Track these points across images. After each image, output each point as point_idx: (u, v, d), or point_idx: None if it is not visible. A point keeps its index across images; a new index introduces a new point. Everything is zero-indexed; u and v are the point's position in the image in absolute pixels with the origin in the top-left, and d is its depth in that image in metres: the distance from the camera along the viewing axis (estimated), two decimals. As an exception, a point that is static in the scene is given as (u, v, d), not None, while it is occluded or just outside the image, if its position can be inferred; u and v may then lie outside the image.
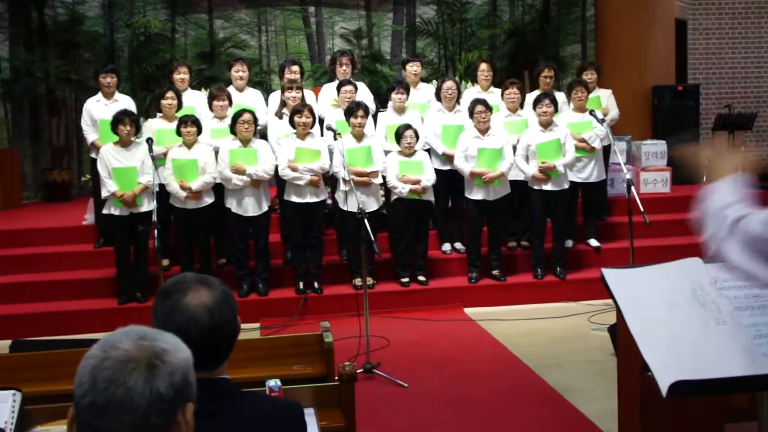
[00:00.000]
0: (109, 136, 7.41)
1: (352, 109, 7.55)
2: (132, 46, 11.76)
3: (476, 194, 7.76)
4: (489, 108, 7.75)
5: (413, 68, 8.57)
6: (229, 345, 2.04)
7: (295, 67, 8.29)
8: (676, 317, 2.83)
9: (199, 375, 1.84)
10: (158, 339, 1.44)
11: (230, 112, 7.73)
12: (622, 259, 7.44)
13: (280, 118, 7.91)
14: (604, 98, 8.71)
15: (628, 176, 6.77)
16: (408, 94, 8.12)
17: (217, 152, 7.51)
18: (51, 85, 11.37)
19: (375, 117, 8.25)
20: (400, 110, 8.10)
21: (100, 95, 8.10)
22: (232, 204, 7.45)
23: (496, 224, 7.96)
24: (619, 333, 3.91)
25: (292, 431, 2.11)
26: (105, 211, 7.41)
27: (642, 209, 6.51)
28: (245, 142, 7.39)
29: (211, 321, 1.97)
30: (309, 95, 8.28)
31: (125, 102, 8.06)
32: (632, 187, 6.68)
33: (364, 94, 8.37)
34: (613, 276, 3.35)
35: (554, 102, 7.86)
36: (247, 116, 7.35)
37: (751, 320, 2.63)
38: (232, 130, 7.41)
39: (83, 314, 7.30)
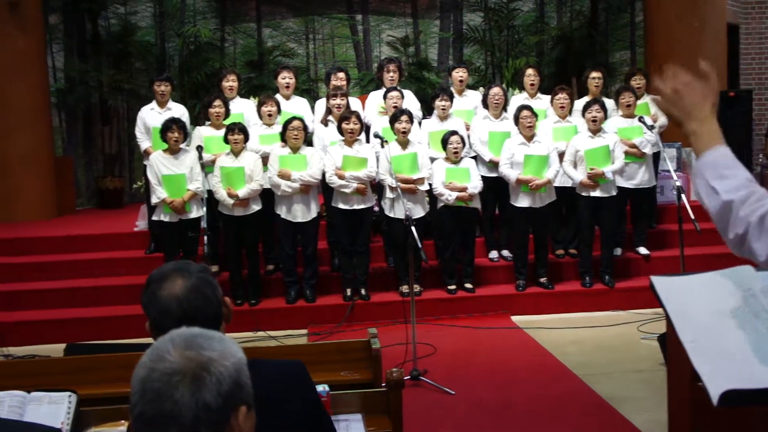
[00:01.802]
0: (162, 144, 7.53)
1: (396, 116, 7.57)
2: (182, 55, 11.95)
3: (522, 201, 7.72)
4: (535, 114, 7.71)
5: (459, 74, 8.57)
6: (208, 328, 2.08)
7: (341, 74, 8.34)
8: (727, 326, 2.79)
9: None
10: (205, 347, 1.45)
11: (278, 119, 7.82)
12: (672, 267, 7.35)
13: (326, 125, 7.97)
14: (653, 104, 8.61)
15: (678, 183, 6.68)
16: (451, 101, 8.12)
17: (264, 159, 7.59)
18: (104, 94, 11.60)
19: (421, 124, 8.26)
20: (444, 117, 8.10)
21: (154, 103, 8.25)
22: (281, 210, 7.52)
23: (542, 232, 7.91)
24: (669, 342, 3.87)
25: (299, 390, 2.18)
26: (155, 218, 7.53)
27: (692, 216, 6.43)
28: (295, 149, 7.46)
29: (180, 311, 2.03)
30: (355, 103, 8.33)
31: (178, 110, 8.19)
32: (683, 195, 6.59)
33: (410, 101, 8.39)
34: (662, 283, 3.31)
35: (603, 108, 7.79)
36: (297, 123, 7.41)
37: (804, 329, 2.58)
38: (283, 137, 7.49)
39: (134, 319, 7.39)
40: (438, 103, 8.08)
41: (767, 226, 1.77)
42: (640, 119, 7.64)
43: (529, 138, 7.71)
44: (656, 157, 8.38)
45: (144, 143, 8.17)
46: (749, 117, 10.64)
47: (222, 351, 1.46)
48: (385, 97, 8.13)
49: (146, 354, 1.45)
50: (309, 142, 8.01)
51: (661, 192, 8.95)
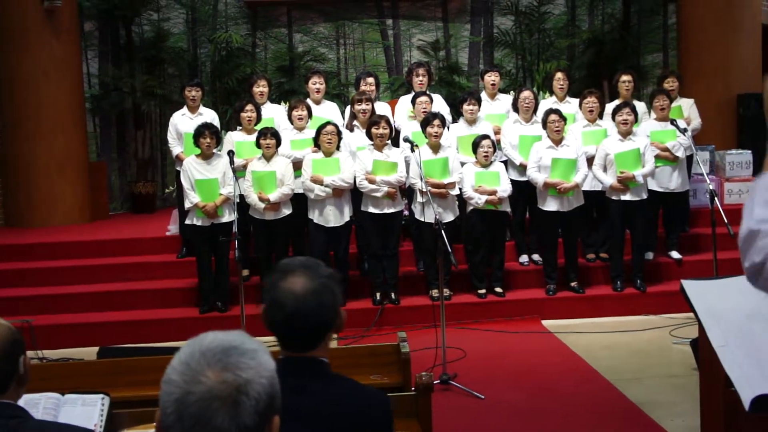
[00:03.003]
0: (193, 149, 7.60)
1: (429, 119, 7.57)
2: (214, 61, 12.05)
3: (550, 205, 7.69)
4: (563, 118, 7.67)
5: (491, 78, 8.56)
6: (312, 333, 2.11)
7: (370, 80, 8.37)
8: (759, 329, 2.77)
9: (289, 354, 2.03)
10: (241, 366, 1.43)
11: (309, 123, 7.85)
12: (705, 271, 7.26)
13: (351, 130, 7.99)
14: (686, 107, 8.53)
15: (711, 187, 6.61)
16: (479, 105, 8.10)
17: (295, 164, 7.63)
18: (137, 99, 11.73)
19: (449, 128, 8.26)
20: (472, 121, 8.09)
21: (185, 109, 8.32)
22: (314, 214, 7.55)
23: (571, 236, 7.87)
24: (701, 346, 3.82)
25: (373, 422, 2.13)
26: (188, 222, 7.59)
27: (726, 220, 6.36)
28: (328, 154, 7.49)
29: (294, 309, 2.06)
30: (383, 107, 8.34)
31: (209, 115, 8.26)
32: (716, 198, 6.53)
33: (440, 105, 8.38)
34: (693, 287, 3.28)
35: (634, 111, 7.74)
36: (330, 128, 7.44)
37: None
38: (316, 142, 7.52)
39: (166, 323, 7.49)
40: (466, 107, 8.07)
41: None
42: (673, 122, 7.58)
43: (557, 142, 7.68)
44: (689, 160, 8.30)
45: (176, 149, 8.25)
46: (784, 119, 10.48)
47: (257, 367, 1.45)
48: (413, 101, 8.13)
49: (177, 369, 1.43)
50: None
51: (694, 195, 8.86)
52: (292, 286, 2.07)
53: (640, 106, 8.35)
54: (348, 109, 8.31)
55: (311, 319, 2.07)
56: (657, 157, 7.76)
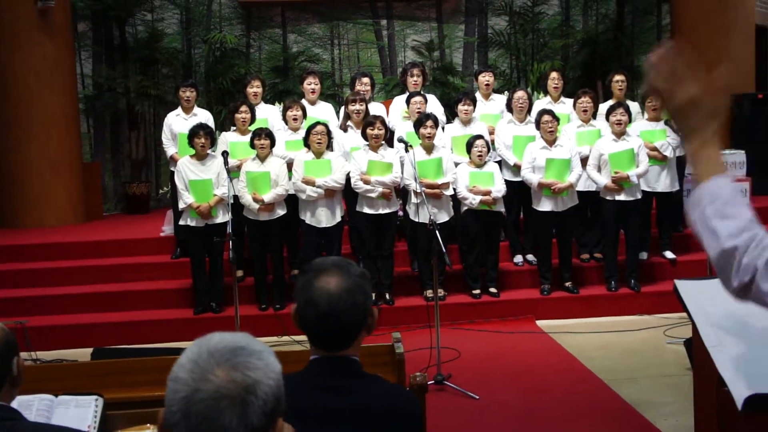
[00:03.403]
0: (188, 150, 7.59)
1: (421, 120, 7.58)
2: (208, 61, 12.04)
3: (544, 206, 7.70)
4: (556, 118, 7.68)
5: (486, 79, 8.57)
6: (346, 332, 2.12)
7: (366, 80, 8.38)
8: (752, 329, 2.77)
9: (321, 353, 2.05)
10: (249, 366, 1.43)
11: (304, 124, 7.85)
12: (699, 271, 7.29)
13: (345, 130, 7.99)
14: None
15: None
16: (474, 105, 8.11)
17: (289, 165, 7.62)
18: (131, 100, 11.72)
19: (444, 129, 8.27)
20: (466, 122, 8.10)
21: (179, 109, 8.31)
22: (306, 215, 7.55)
23: (565, 236, 7.88)
24: (694, 346, 3.83)
25: (404, 422, 2.14)
26: (181, 223, 7.59)
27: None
28: (319, 154, 7.49)
29: (328, 307, 2.07)
30: (378, 108, 8.35)
31: (203, 116, 8.25)
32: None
33: (434, 105, 8.40)
34: (686, 287, 3.29)
35: (628, 111, 7.75)
36: (320, 128, 7.44)
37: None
38: (306, 142, 7.52)
39: (160, 323, 7.48)
40: (461, 107, 8.08)
41: None
42: (667, 122, 7.59)
43: (551, 142, 7.69)
44: (682, 160, 8.32)
45: (170, 149, 8.24)
46: (777, 120, 10.52)
47: (265, 368, 1.45)
48: (408, 101, 8.14)
49: (185, 367, 1.43)
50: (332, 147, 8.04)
51: (688, 195, 8.87)
52: (327, 285, 2.09)
53: (634, 106, 8.36)
54: (342, 109, 8.31)
55: (345, 317, 2.08)
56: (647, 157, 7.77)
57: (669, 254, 8.27)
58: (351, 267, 2.15)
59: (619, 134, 7.70)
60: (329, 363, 2.12)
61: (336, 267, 2.12)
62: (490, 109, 8.49)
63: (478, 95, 8.52)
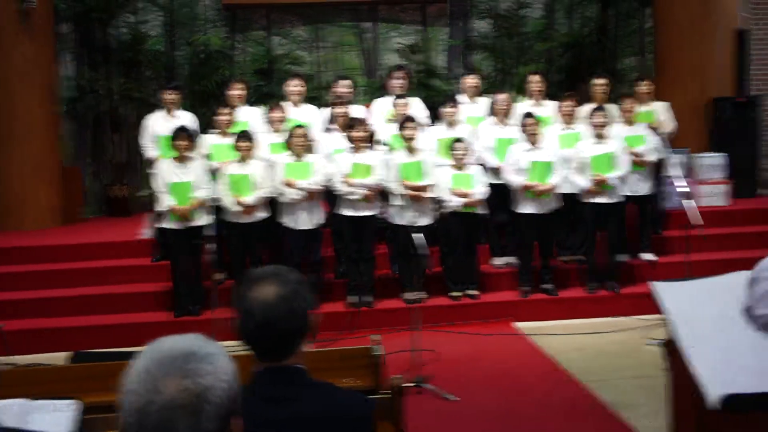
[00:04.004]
0: (169, 152, 7.57)
1: (403, 123, 7.60)
2: (192, 64, 12.00)
3: (526, 208, 7.73)
4: (538, 121, 7.71)
5: (472, 81, 8.59)
6: (286, 341, 2.09)
7: (345, 82, 8.38)
8: (728, 330, 2.80)
9: (266, 364, 2.01)
10: (201, 372, 1.43)
11: (287, 126, 7.85)
12: (678, 273, 7.31)
13: (328, 133, 8.00)
14: (661, 111, 8.58)
15: (684, 189, 6.67)
16: (458, 107, 8.13)
17: (272, 167, 7.62)
18: (113, 102, 11.67)
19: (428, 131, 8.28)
20: (451, 124, 8.12)
21: (162, 111, 8.29)
22: (286, 218, 7.55)
23: (546, 238, 7.91)
24: (671, 347, 3.86)
25: (354, 426, 2.13)
26: (161, 225, 7.56)
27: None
28: (299, 157, 7.49)
29: (264, 317, 2.04)
30: (359, 110, 8.35)
31: (186, 118, 8.22)
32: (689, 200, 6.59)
33: (418, 108, 8.41)
34: (663, 289, 3.32)
35: (609, 114, 7.79)
36: (301, 131, 7.45)
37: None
38: (287, 145, 7.52)
39: (140, 327, 7.45)
40: (446, 110, 8.10)
41: None
42: (647, 126, 7.64)
43: (534, 144, 7.72)
44: (662, 163, 8.37)
45: (150, 151, 8.21)
46: (758, 123, 10.59)
47: (216, 372, 1.44)
48: (393, 104, 8.16)
49: (135, 378, 1.43)
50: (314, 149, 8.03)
51: (668, 198, 8.93)
52: (262, 294, 2.06)
53: (615, 109, 8.40)
54: (325, 111, 8.31)
55: (283, 325, 2.05)
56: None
57: (648, 256, 8.31)
58: (289, 274, 2.12)
59: (600, 137, 7.74)
60: (273, 374, 2.08)
61: (272, 275, 2.10)
62: (475, 112, 8.51)
63: (464, 97, 8.53)
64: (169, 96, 8.21)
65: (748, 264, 2.99)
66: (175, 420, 1.39)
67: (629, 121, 8.01)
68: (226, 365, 1.47)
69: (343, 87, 8.32)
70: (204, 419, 1.40)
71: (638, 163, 7.91)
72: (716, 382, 2.76)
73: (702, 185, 9.41)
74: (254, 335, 2.06)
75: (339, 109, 7.90)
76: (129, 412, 1.41)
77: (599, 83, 8.43)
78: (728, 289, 3.03)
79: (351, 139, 7.54)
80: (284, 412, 2.05)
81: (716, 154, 9.71)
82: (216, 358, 1.47)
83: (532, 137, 7.69)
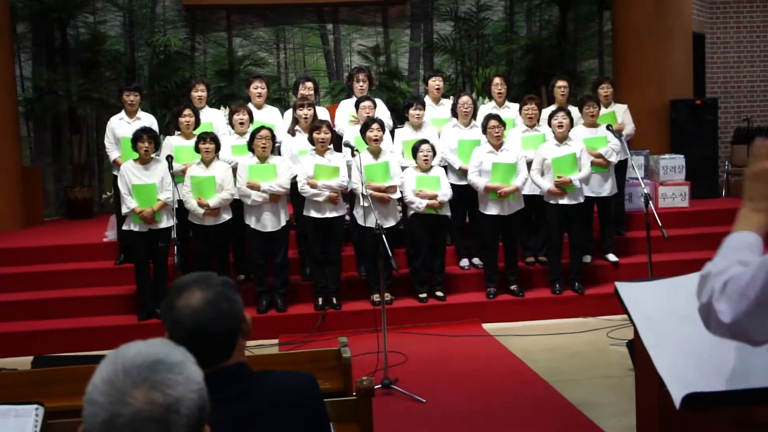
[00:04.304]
0: (131, 154, 7.49)
1: (368, 124, 7.59)
2: (152, 65, 11.89)
3: (490, 209, 7.77)
4: (502, 123, 7.77)
5: (436, 83, 8.62)
6: (220, 344, 2.10)
7: (309, 84, 8.36)
8: (690, 330, 2.84)
9: (208, 369, 1.91)
10: (169, 383, 1.37)
11: (251, 128, 7.80)
12: (641, 274, 7.42)
13: (293, 135, 7.97)
14: (620, 113, 8.69)
15: (645, 191, 6.76)
16: (424, 110, 8.16)
17: (235, 169, 7.57)
18: (73, 103, 11.51)
19: (393, 133, 8.29)
20: (417, 126, 8.14)
21: (123, 113, 8.19)
22: (251, 220, 7.51)
23: (511, 239, 7.97)
24: (636, 347, 3.90)
25: (307, 403, 2.20)
26: (125, 228, 7.48)
27: (660, 224, 6.52)
28: (263, 159, 7.46)
29: (192, 323, 2.04)
30: (323, 112, 8.34)
31: (148, 120, 8.14)
32: (650, 202, 6.68)
33: (382, 110, 8.42)
34: (626, 289, 3.35)
35: (569, 116, 7.87)
36: (264, 133, 7.41)
37: (764, 333, 2.63)
38: (250, 147, 7.48)
39: (104, 330, 7.37)
40: (412, 112, 8.11)
41: (729, 289, 1.80)
42: (608, 127, 7.72)
43: (497, 146, 7.77)
44: (623, 165, 8.48)
45: (113, 153, 8.12)
46: (715, 125, 10.78)
47: (185, 382, 1.39)
48: (357, 106, 8.15)
49: (100, 389, 1.36)
50: (278, 151, 8.00)
51: (630, 199, 9.06)
52: (189, 301, 2.07)
53: (575, 111, 8.48)
54: (289, 113, 8.28)
55: (214, 329, 2.06)
56: (591, 164, 7.88)
57: (612, 257, 8.41)
58: (211, 278, 2.14)
59: (561, 139, 7.81)
60: (218, 377, 2.06)
61: (195, 282, 2.11)
62: (440, 114, 8.54)
63: (427, 99, 8.56)
64: (129, 97, 8.12)
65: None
66: None
67: (592, 124, 8.09)
68: (195, 374, 1.43)
69: (306, 89, 8.29)
70: (174, 430, 1.36)
71: (599, 164, 7.99)
72: (678, 381, 2.80)
73: (662, 186, 9.55)
74: (188, 344, 2.04)
75: (302, 111, 7.88)
76: (93, 425, 1.34)
77: (560, 85, 8.52)
78: (689, 289, 3.06)
79: (314, 141, 7.52)
80: (239, 410, 2.07)
81: (674, 155, 9.85)
82: (184, 366, 1.42)
83: (496, 139, 7.73)
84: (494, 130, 7.70)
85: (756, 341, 1.83)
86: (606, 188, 8.12)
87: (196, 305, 2.06)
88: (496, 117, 7.81)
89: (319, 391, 2.25)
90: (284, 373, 2.27)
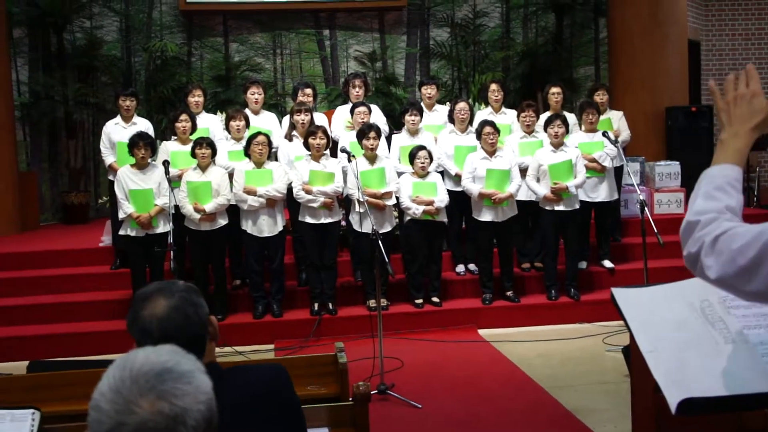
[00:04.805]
0: (127, 159, 7.49)
1: (364, 131, 7.60)
2: (149, 70, 11.90)
3: (485, 216, 7.78)
4: (496, 129, 7.78)
5: (429, 91, 8.64)
6: (190, 348, 2.07)
7: (308, 90, 8.38)
8: (685, 336, 2.85)
9: None
10: (177, 394, 1.36)
11: (247, 133, 7.81)
12: (637, 280, 7.44)
13: (290, 140, 7.98)
14: (616, 120, 8.73)
15: (641, 197, 6.78)
16: (421, 116, 8.18)
17: (231, 174, 7.58)
18: (69, 108, 11.51)
19: (389, 139, 8.31)
20: (414, 132, 8.16)
21: (118, 118, 8.19)
22: (247, 225, 7.51)
23: (506, 245, 7.97)
24: (632, 353, 3.91)
25: (280, 392, 2.24)
26: (121, 232, 7.47)
27: (656, 230, 6.53)
28: (259, 164, 7.46)
29: (159, 331, 2.05)
30: (320, 118, 8.35)
31: (143, 125, 8.14)
32: (646, 208, 6.70)
33: (377, 116, 8.43)
34: (622, 295, 3.36)
35: (565, 122, 7.88)
36: (261, 138, 7.42)
37: (759, 339, 2.64)
38: (247, 152, 7.49)
39: (99, 335, 7.35)
40: (408, 117, 8.13)
41: (718, 247, 1.82)
42: (604, 134, 7.74)
43: (491, 153, 7.78)
44: (619, 171, 8.50)
45: (108, 158, 8.11)
46: (710, 132, 10.82)
47: (193, 392, 1.38)
48: (352, 111, 8.16)
49: (106, 397, 1.35)
50: (275, 156, 8.01)
51: (625, 205, 9.08)
52: (153, 309, 2.08)
53: (571, 117, 8.51)
54: (287, 119, 8.29)
55: (181, 335, 2.06)
56: (585, 168, 7.90)
57: (608, 263, 8.43)
58: (173, 285, 2.15)
59: (557, 145, 7.83)
60: None
61: (158, 290, 2.12)
62: (433, 120, 8.56)
63: (422, 106, 8.58)
64: (125, 102, 8.12)
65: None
66: None
67: (592, 130, 8.11)
68: (203, 384, 1.41)
69: (305, 95, 8.31)
70: None
71: (594, 168, 8.01)
72: (673, 387, 2.80)
73: (657, 193, 9.58)
74: None
75: (299, 117, 7.89)
76: None
77: (554, 92, 8.54)
78: (686, 294, 3.08)
79: (309, 147, 7.53)
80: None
81: (670, 162, 9.88)
82: (193, 376, 1.40)
83: (490, 146, 7.74)
84: (488, 136, 7.71)
85: (745, 294, 1.85)
86: (601, 194, 8.14)
87: (161, 313, 2.07)
88: (491, 123, 7.82)
89: (290, 381, 2.28)
90: (254, 366, 2.33)
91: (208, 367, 2.12)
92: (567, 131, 7.93)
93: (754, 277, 1.79)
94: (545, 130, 7.95)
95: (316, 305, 7.73)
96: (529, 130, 8.20)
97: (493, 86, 8.60)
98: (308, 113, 7.91)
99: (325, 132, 7.58)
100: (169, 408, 1.34)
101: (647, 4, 10.66)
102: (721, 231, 1.83)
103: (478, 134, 7.82)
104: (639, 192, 6.95)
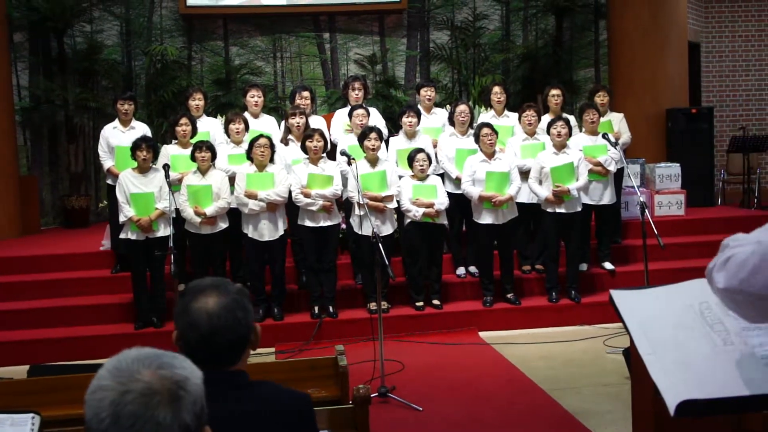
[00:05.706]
0: (126, 163, 7.49)
1: (366, 133, 7.60)
2: (149, 74, 11.90)
3: (485, 218, 7.78)
4: (495, 131, 7.77)
5: (427, 93, 8.63)
6: (230, 349, 2.12)
7: (306, 93, 8.37)
8: (684, 337, 2.85)
9: (208, 369, 1.94)
10: (176, 366, 1.41)
11: (247, 137, 7.81)
12: (637, 282, 7.44)
13: (286, 144, 7.98)
14: (616, 122, 8.73)
15: (642, 199, 6.78)
16: (419, 118, 8.17)
17: (232, 178, 7.58)
18: (70, 112, 11.51)
19: (387, 142, 8.31)
20: (411, 135, 8.15)
21: (117, 122, 8.19)
22: (248, 229, 7.51)
23: (506, 248, 7.97)
24: (632, 355, 3.91)
25: (300, 424, 2.20)
26: (122, 236, 7.47)
27: (656, 232, 6.53)
28: (261, 167, 7.46)
29: (209, 327, 2.07)
30: (319, 121, 8.36)
31: (142, 129, 8.14)
32: (646, 210, 6.70)
33: (376, 118, 8.43)
34: (621, 297, 3.36)
35: (568, 124, 7.88)
36: (263, 141, 7.42)
37: (758, 340, 2.64)
38: (249, 155, 7.49)
39: (100, 339, 7.36)
40: (405, 120, 8.12)
41: (729, 266, 2.08)
42: (604, 136, 7.74)
43: (490, 155, 7.78)
44: (620, 173, 8.49)
45: (107, 162, 8.11)
46: (711, 134, 10.82)
47: (192, 369, 1.43)
48: (350, 114, 8.16)
49: (107, 375, 1.38)
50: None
51: (626, 208, 9.07)
52: (205, 305, 2.08)
53: (571, 120, 8.51)
54: (283, 123, 8.29)
55: (228, 335, 2.08)
56: (589, 172, 7.90)
57: (608, 265, 8.42)
58: (228, 285, 2.15)
59: (560, 147, 7.83)
60: (217, 377, 2.06)
61: (213, 286, 2.13)
62: (432, 123, 8.56)
63: (420, 108, 8.58)
64: (123, 106, 8.12)
65: (704, 272, 3.05)
66: (155, 406, 1.34)
67: (593, 131, 8.11)
68: (197, 371, 1.46)
69: (303, 98, 8.31)
70: (183, 408, 1.36)
71: (598, 172, 8.01)
72: (672, 389, 2.80)
73: (658, 195, 9.57)
74: (199, 346, 2.08)
75: (294, 120, 7.89)
76: (100, 408, 1.34)
77: (554, 94, 8.54)
78: (685, 296, 3.08)
79: (306, 150, 7.53)
80: (229, 410, 2.08)
81: (671, 164, 9.88)
82: (186, 361, 1.45)
83: (489, 148, 7.74)
84: (487, 138, 7.71)
85: (745, 317, 2.14)
86: (605, 197, 8.14)
87: (212, 309, 2.08)
88: (489, 125, 7.81)
89: (313, 414, 2.26)
90: (284, 387, 2.27)
91: (238, 375, 2.13)
92: (570, 133, 7.92)
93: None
94: (548, 131, 7.95)
95: (316, 308, 7.73)
96: (531, 129, 8.19)
97: (496, 89, 8.59)
98: (303, 116, 7.90)
99: (322, 135, 7.58)
100: (171, 374, 1.38)
101: (647, 6, 10.67)
102: (733, 253, 2.10)
103: (476, 137, 7.82)
104: (639, 194, 6.95)
